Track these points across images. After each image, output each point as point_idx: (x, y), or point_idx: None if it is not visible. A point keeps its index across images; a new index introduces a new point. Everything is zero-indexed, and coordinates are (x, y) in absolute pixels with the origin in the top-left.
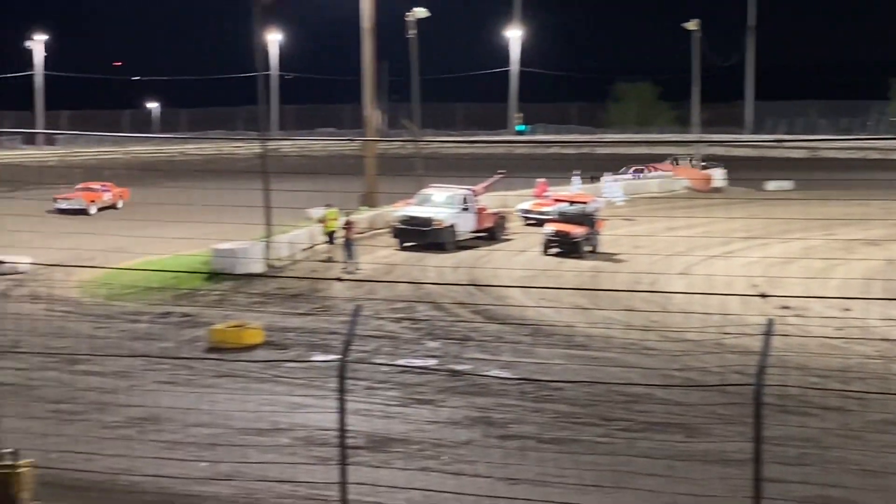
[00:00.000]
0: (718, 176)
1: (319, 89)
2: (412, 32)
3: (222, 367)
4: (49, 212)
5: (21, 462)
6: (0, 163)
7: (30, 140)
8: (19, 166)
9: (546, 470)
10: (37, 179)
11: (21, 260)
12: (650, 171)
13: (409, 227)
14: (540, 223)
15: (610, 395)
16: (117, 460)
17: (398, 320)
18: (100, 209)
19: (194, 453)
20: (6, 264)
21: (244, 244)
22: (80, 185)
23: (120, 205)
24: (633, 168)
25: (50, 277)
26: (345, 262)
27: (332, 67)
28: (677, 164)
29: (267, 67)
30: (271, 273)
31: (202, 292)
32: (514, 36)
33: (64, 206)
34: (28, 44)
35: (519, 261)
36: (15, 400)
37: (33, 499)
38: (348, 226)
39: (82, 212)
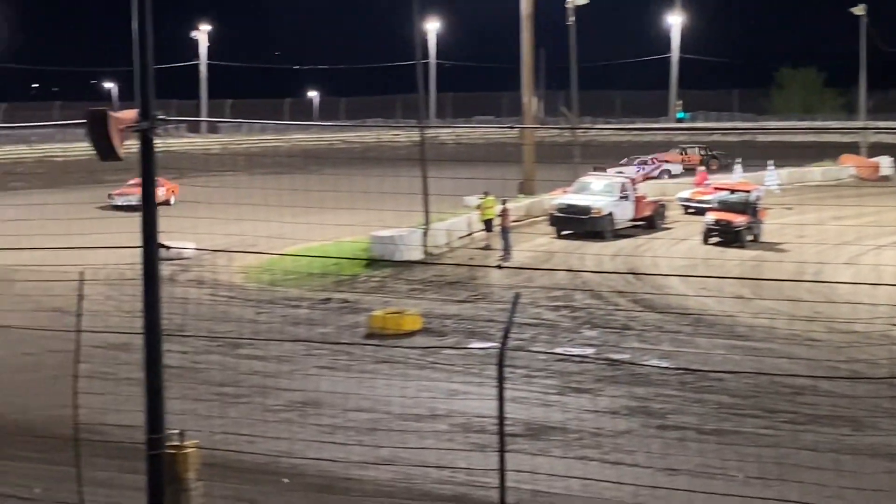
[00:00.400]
0: (886, 164)
1: (477, 77)
2: (571, 19)
3: (381, 353)
4: (102, 207)
5: (186, 443)
6: (165, 150)
7: (194, 129)
8: (184, 154)
9: (707, 461)
10: (202, 167)
11: (186, 246)
12: (653, 164)
13: (567, 216)
14: (700, 212)
15: (773, 387)
16: (278, 443)
17: (556, 308)
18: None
19: (353, 437)
20: (172, 250)
21: (403, 231)
22: (133, 181)
23: (172, 201)
24: (638, 160)
25: (213, 263)
26: (502, 251)
27: (489, 55)
28: (685, 154)
29: (425, 56)
30: (429, 260)
31: (361, 279)
32: (674, 22)
33: (121, 202)
34: (193, 34)
35: (678, 250)
36: (181, 382)
37: (198, 479)
38: (504, 214)
39: (137, 208)
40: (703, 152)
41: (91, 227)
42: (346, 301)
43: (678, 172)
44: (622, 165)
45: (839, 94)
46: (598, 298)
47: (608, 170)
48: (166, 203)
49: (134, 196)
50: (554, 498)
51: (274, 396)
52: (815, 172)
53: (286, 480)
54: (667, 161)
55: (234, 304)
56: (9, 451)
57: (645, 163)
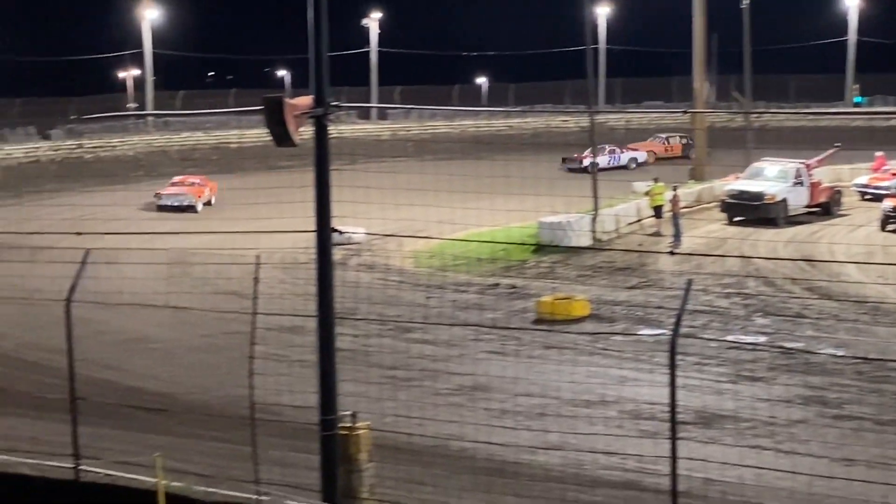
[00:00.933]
0: None
1: (647, 62)
2: (745, 2)
3: (549, 338)
4: (145, 209)
5: (358, 424)
6: (338, 137)
7: (364, 115)
8: (355, 141)
9: (886, 452)
10: (373, 153)
11: (357, 230)
12: (624, 153)
13: (739, 202)
14: (878, 198)
15: None
16: (448, 426)
17: (727, 296)
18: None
19: (522, 422)
20: (344, 234)
21: (571, 217)
22: (177, 179)
23: (213, 200)
24: (609, 149)
25: (383, 248)
26: (672, 237)
27: (659, 40)
28: (667, 143)
29: (595, 41)
30: (598, 246)
31: (530, 264)
32: (851, 3)
33: (169, 202)
34: (364, 22)
35: (855, 237)
36: (352, 365)
37: (369, 459)
38: (675, 200)
39: (189, 209)
40: (684, 141)
41: (267, 212)
42: (514, 286)
43: (643, 161)
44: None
45: None
46: (770, 286)
47: (578, 157)
48: (208, 203)
49: (185, 196)
50: (726, 486)
51: (443, 380)
52: None
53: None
54: (636, 150)
55: (404, 289)
56: (186, 430)
57: (615, 151)
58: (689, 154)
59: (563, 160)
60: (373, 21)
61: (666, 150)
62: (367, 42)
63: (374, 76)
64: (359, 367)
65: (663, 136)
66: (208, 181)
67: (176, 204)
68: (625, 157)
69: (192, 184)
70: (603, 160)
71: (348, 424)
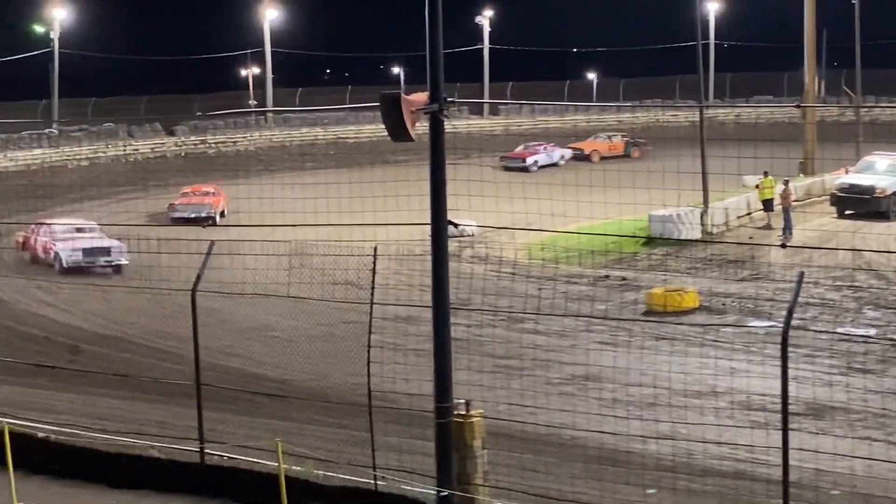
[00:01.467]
0: None
1: (756, 57)
2: None
3: (660, 329)
4: (157, 222)
5: (472, 412)
6: (452, 132)
7: (477, 110)
8: (468, 136)
9: None
10: (486, 147)
11: (469, 223)
12: (555, 151)
13: (850, 195)
14: None
15: None
16: (559, 415)
17: (837, 288)
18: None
19: (633, 412)
20: (458, 227)
21: (680, 210)
22: (188, 189)
23: (226, 211)
24: (543, 146)
25: (496, 240)
26: (782, 230)
27: (768, 35)
28: (611, 141)
29: (705, 37)
30: (708, 239)
31: (640, 256)
32: None
33: (186, 213)
34: (477, 19)
35: None
36: (466, 355)
37: (483, 446)
38: (785, 193)
39: (207, 220)
40: (626, 139)
41: (383, 205)
42: (624, 278)
43: (568, 158)
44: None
45: None
46: (881, 279)
47: (516, 154)
48: (222, 214)
49: (203, 206)
50: (837, 477)
51: (554, 370)
52: None
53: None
54: (578, 148)
55: (516, 280)
56: (305, 416)
57: (545, 148)
58: (630, 153)
59: (501, 158)
60: (485, 19)
61: (609, 149)
62: (479, 39)
63: (486, 73)
64: (472, 357)
65: (604, 135)
66: (221, 191)
67: (194, 215)
68: (556, 154)
69: (208, 193)
70: (541, 158)
71: (462, 412)
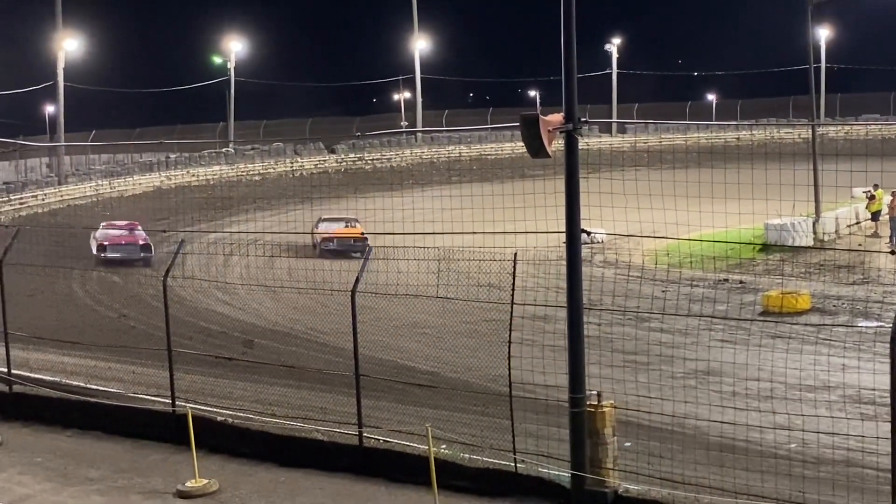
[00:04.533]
0: None
1: (865, 79)
2: None
3: (775, 329)
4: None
5: (603, 402)
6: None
7: (606, 129)
8: (599, 151)
9: None
10: (615, 162)
11: (599, 231)
12: None
13: None
14: None
15: None
16: (682, 406)
17: None
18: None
19: (751, 404)
20: (590, 235)
21: (794, 219)
22: (107, 224)
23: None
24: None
25: (623, 247)
26: (890, 238)
27: (875, 57)
28: None
29: (817, 60)
30: (819, 246)
31: (756, 262)
32: None
33: (115, 254)
34: (606, 46)
35: None
36: (597, 350)
37: (613, 434)
38: (892, 204)
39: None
40: None
41: (519, 215)
42: (741, 282)
43: None
44: None
45: None
46: None
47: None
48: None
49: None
50: None
51: (677, 365)
52: None
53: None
54: None
55: (642, 283)
56: (452, 404)
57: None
58: None
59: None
60: (613, 46)
61: None
62: (608, 64)
63: (614, 94)
64: (602, 352)
65: None
66: (137, 225)
67: (122, 257)
68: None
69: (132, 231)
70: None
71: (594, 402)
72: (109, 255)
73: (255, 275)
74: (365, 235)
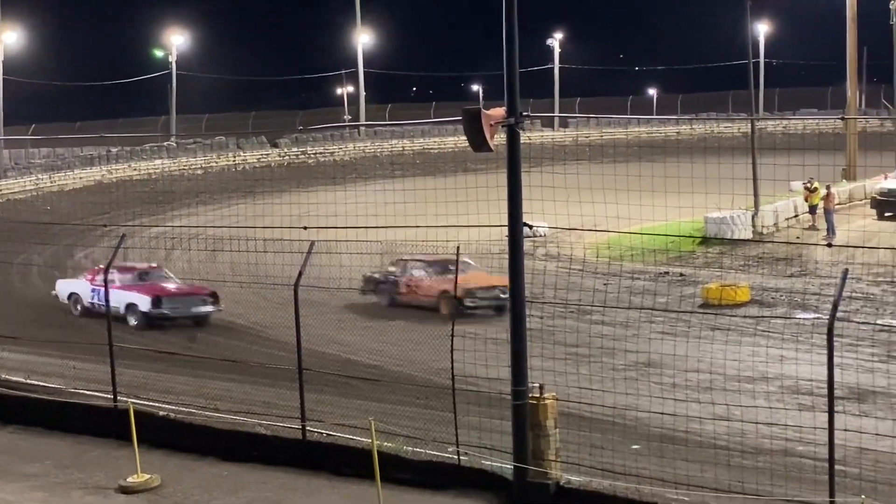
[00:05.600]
0: None
1: (801, 74)
2: (895, 20)
3: (714, 321)
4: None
5: (545, 395)
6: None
7: (548, 123)
8: (541, 146)
9: None
10: (556, 157)
11: (541, 224)
12: None
13: (889, 199)
14: None
15: None
16: (624, 398)
17: (878, 284)
18: None
19: (691, 395)
20: (532, 228)
21: (733, 213)
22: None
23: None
24: None
25: (565, 240)
26: (826, 231)
27: (813, 53)
28: None
29: (755, 55)
30: (757, 239)
31: (696, 255)
32: None
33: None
34: (549, 41)
35: None
36: (539, 343)
37: (555, 426)
38: (829, 197)
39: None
40: None
41: (462, 209)
42: (682, 274)
43: None
44: None
45: None
46: None
47: None
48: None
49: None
50: (878, 455)
51: (619, 357)
52: None
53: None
54: None
55: (583, 276)
56: (395, 397)
57: None
58: None
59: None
60: (555, 40)
61: None
62: (551, 58)
63: (556, 89)
64: (545, 345)
65: None
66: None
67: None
68: None
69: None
70: None
71: (536, 395)
72: (165, 310)
73: (197, 269)
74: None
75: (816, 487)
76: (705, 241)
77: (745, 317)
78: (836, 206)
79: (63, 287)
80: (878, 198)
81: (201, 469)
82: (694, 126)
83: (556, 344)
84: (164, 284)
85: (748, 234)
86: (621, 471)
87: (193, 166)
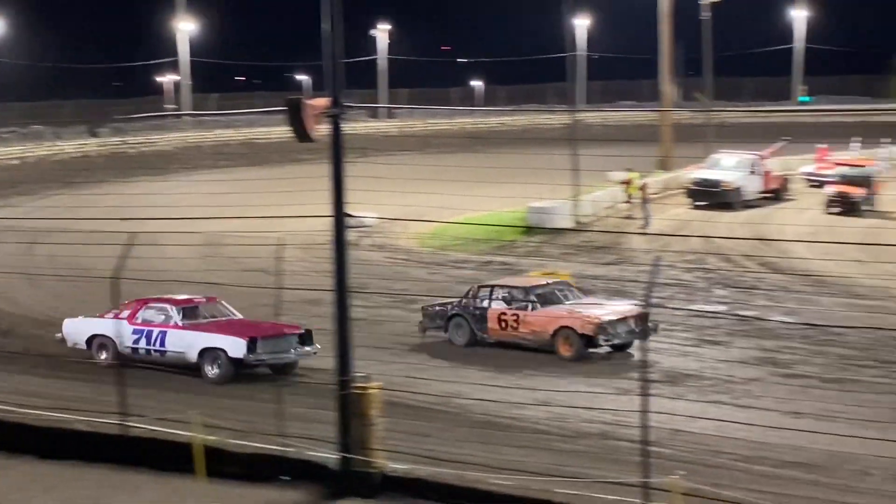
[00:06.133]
0: None
1: (620, 67)
2: (706, 14)
3: None
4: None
5: (371, 384)
6: (351, 133)
7: (374, 114)
8: (366, 136)
9: (829, 406)
10: (382, 147)
11: (368, 215)
12: None
13: (701, 189)
14: (821, 185)
15: (889, 341)
16: (449, 386)
17: (690, 270)
18: None
19: (514, 382)
20: (357, 219)
21: (555, 203)
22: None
23: None
24: None
25: (391, 230)
26: (643, 219)
27: (631, 46)
28: None
29: (574, 48)
30: (578, 228)
31: (519, 244)
32: (798, 15)
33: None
34: (372, 32)
35: (802, 218)
36: (366, 333)
37: (380, 415)
38: (644, 187)
39: None
40: None
41: (287, 199)
42: (505, 263)
43: None
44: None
45: None
46: (728, 262)
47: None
48: None
49: None
50: (690, 436)
51: (444, 346)
52: None
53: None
54: None
55: (409, 266)
56: (221, 391)
57: None
58: None
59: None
60: (381, 32)
61: None
62: (376, 50)
63: (382, 80)
64: (371, 335)
65: None
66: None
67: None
68: None
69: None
70: None
71: (362, 384)
72: (262, 355)
73: (11, 262)
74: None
75: (632, 468)
76: (528, 230)
77: None
78: (653, 196)
79: (77, 329)
80: (691, 187)
81: (17, 468)
82: (516, 117)
83: (383, 334)
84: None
85: (569, 224)
86: (446, 458)
87: (9, 156)
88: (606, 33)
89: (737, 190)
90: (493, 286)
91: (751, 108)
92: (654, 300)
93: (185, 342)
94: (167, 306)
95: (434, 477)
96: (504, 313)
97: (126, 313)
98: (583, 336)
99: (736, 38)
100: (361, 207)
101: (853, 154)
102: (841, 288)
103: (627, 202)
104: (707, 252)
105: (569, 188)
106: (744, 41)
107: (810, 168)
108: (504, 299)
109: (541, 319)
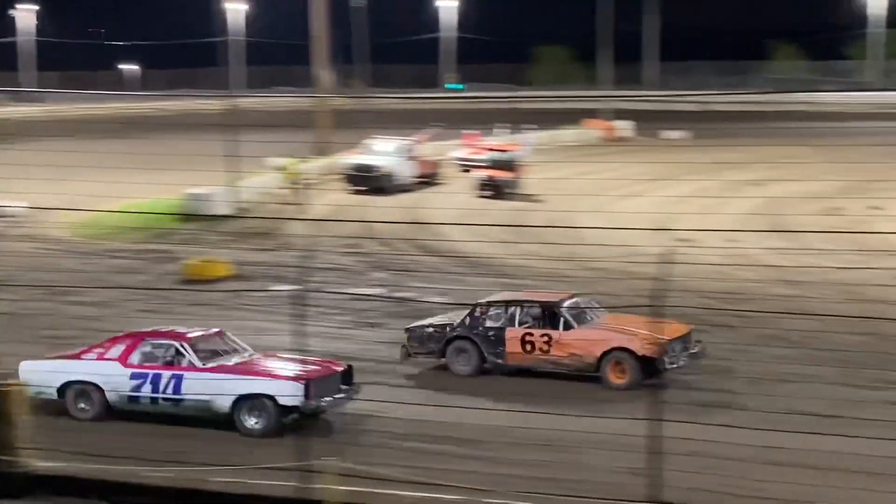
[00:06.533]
0: (622, 126)
1: (281, 53)
2: (359, 2)
3: (196, 297)
4: None
5: (14, 382)
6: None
7: (19, 98)
8: (8, 121)
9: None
10: (31, 133)
11: (17, 204)
12: None
13: (357, 174)
14: (469, 169)
15: None
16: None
17: (348, 254)
18: None
19: None
20: (4, 208)
21: (213, 189)
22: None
23: None
24: None
25: (44, 220)
26: (302, 205)
27: (290, 33)
28: None
29: (227, 33)
30: (239, 214)
31: (177, 232)
32: (447, 4)
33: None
34: (12, 12)
35: (454, 202)
36: (14, 328)
37: (27, 414)
38: (301, 172)
39: None
40: None
41: None
42: (163, 251)
43: None
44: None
45: (586, 67)
46: (386, 245)
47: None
48: None
49: None
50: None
51: (100, 337)
52: (568, 134)
53: None
54: None
55: (62, 256)
56: None
57: None
58: None
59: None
60: (28, 12)
61: None
62: (15, 31)
63: (28, 62)
64: (22, 329)
65: None
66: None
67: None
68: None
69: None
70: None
71: (5, 382)
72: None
73: None
74: None
75: (290, 453)
76: (187, 217)
77: (222, 291)
78: (310, 181)
79: (38, 372)
80: (348, 173)
81: None
82: (173, 102)
83: (32, 328)
84: (266, 362)
85: (228, 210)
86: (93, 453)
87: None
88: (264, 18)
89: (391, 175)
90: (507, 302)
91: (404, 94)
92: (312, 284)
93: (212, 388)
94: (175, 343)
95: (84, 472)
96: (529, 334)
97: (115, 352)
98: (641, 359)
99: (391, 26)
100: (12, 196)
101: (502, 140)
102: (491, 268)
103: (285, 188)
104: (364, 236)
105: (227, 175)
106: (398, 29)
107: (462, 153)
108: (525, 318)
109: (582, 341)
